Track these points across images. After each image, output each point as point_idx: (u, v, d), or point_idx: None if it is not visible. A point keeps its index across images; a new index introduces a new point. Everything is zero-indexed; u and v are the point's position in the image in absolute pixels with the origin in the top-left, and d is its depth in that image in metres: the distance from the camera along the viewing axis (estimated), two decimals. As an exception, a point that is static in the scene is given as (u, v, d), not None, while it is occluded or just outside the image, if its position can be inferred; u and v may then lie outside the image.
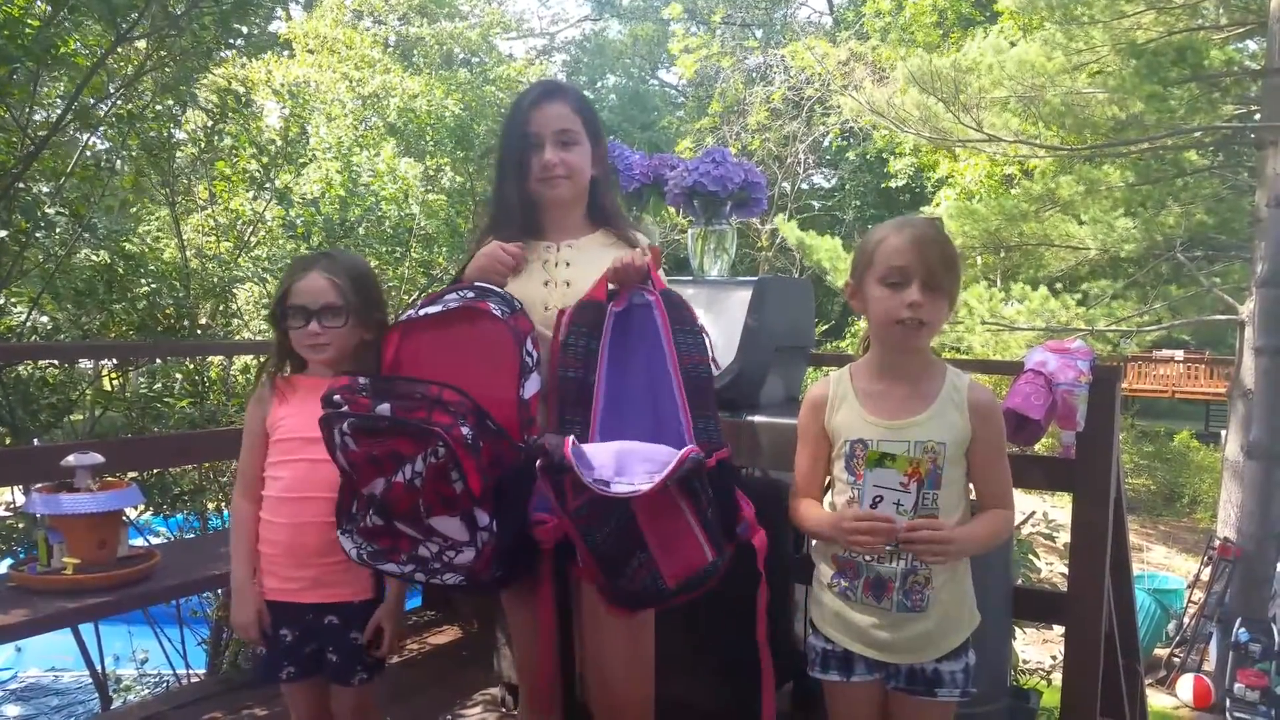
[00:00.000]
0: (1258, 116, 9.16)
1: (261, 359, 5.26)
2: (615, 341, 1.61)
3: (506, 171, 1.77)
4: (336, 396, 1.49)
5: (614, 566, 1.44)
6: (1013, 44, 10.06)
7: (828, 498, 1.65)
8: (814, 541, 1.65)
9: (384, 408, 1.44)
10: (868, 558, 1.52)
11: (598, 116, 1.81)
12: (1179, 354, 17.38)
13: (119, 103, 4.90)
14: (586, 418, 1.55)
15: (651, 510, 1.41)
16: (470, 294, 1.59)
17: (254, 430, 1.79)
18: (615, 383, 1.60)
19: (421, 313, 1.57)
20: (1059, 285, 9.80)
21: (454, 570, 1.48)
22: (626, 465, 1.39)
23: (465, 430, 1.42)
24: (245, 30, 5.28)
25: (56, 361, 4.63)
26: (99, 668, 4.57)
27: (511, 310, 1.58)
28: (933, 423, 1.52)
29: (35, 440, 4.32)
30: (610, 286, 1.64)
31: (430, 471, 1.40)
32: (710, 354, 1.64)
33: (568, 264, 1.76)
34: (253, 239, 5.98)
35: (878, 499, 1.46)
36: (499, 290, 1.61)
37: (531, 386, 1.55)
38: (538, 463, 1.40)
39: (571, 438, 1.40)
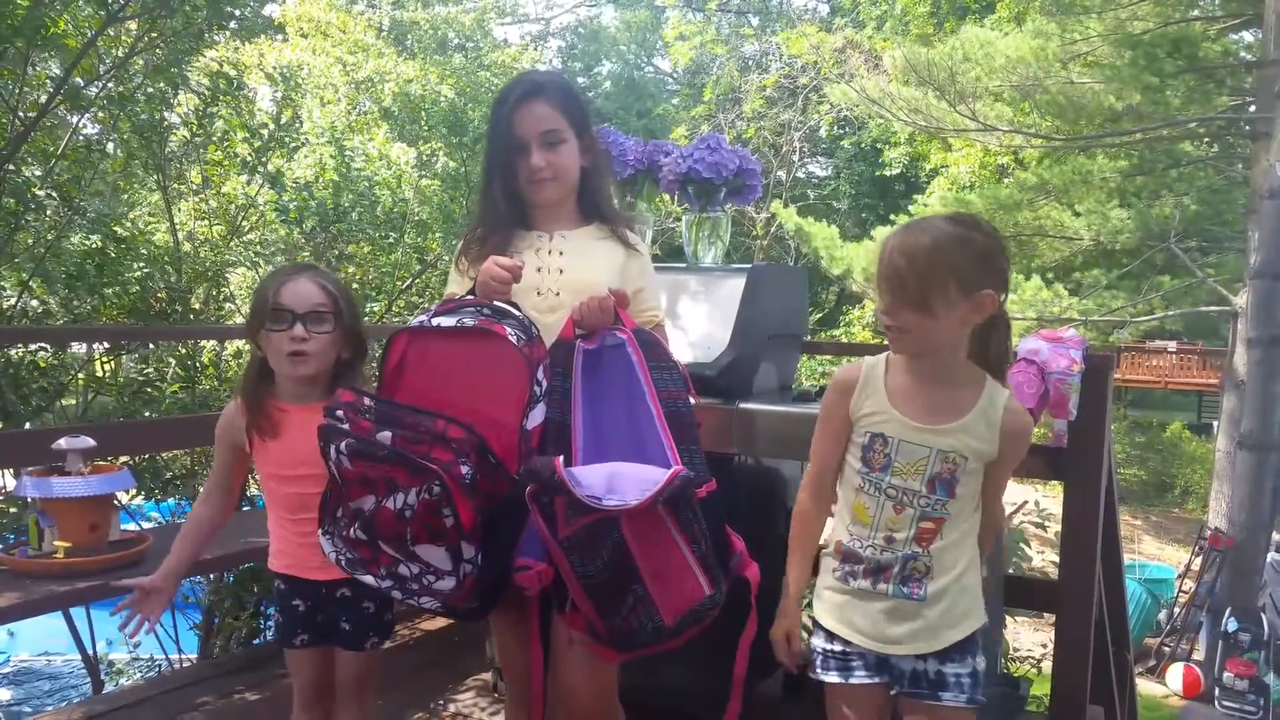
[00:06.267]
0: (1253, 108, 9.18)
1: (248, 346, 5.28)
2: (588, 380, 1.58)
3: (493, 173, 1.74)
4: (339, 412, 1.45)
5: (608, 603, 1.41)
6: (1006, 34, 10.05)
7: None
8: (821, 540, 1.62)
9: (385, 436, 1.41)
10: (869, 550, 1.50)
11: (583, 106, 1.77)
12: (1172, 345, 17.42)
13: (110, 84, 4.86)
14: (568, 455, 1.52)
15: (644, 540, 1.38)
16: (487, 313, 1.54)
17: (222, 451, 1.76)
18: (593, 421, 1.57)
19: (434, 322, 1.52)
20: (1052, 275, 9.82)
21: (431, 595, 1.46)
22: (618, 484, 1.36)
23: (465, 469, 1.39)
24: (237, 13, 5.24)
25: (48, 345, 4.61)
26: (90, 651, 4.57)
27: (528, 338, 1.52)
28: (961, 434, 1.47)
29: (27, 424, 4.30)
30: (577, 331, 1.61)
31: (422, 506, 1.38)
32: (689, 388, 1.62)
33: (561, 252, 1.75)
34: (245, 224, 5.95)
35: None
36: (517, 314, 1.56)
37: (535, 417, 1.51)
38: (528, 490, 1.36)
39: (561, 458, 1.38)
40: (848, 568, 1.53)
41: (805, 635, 1.63)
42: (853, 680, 1.53)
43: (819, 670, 1.56)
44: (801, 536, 1.61)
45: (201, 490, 1.80)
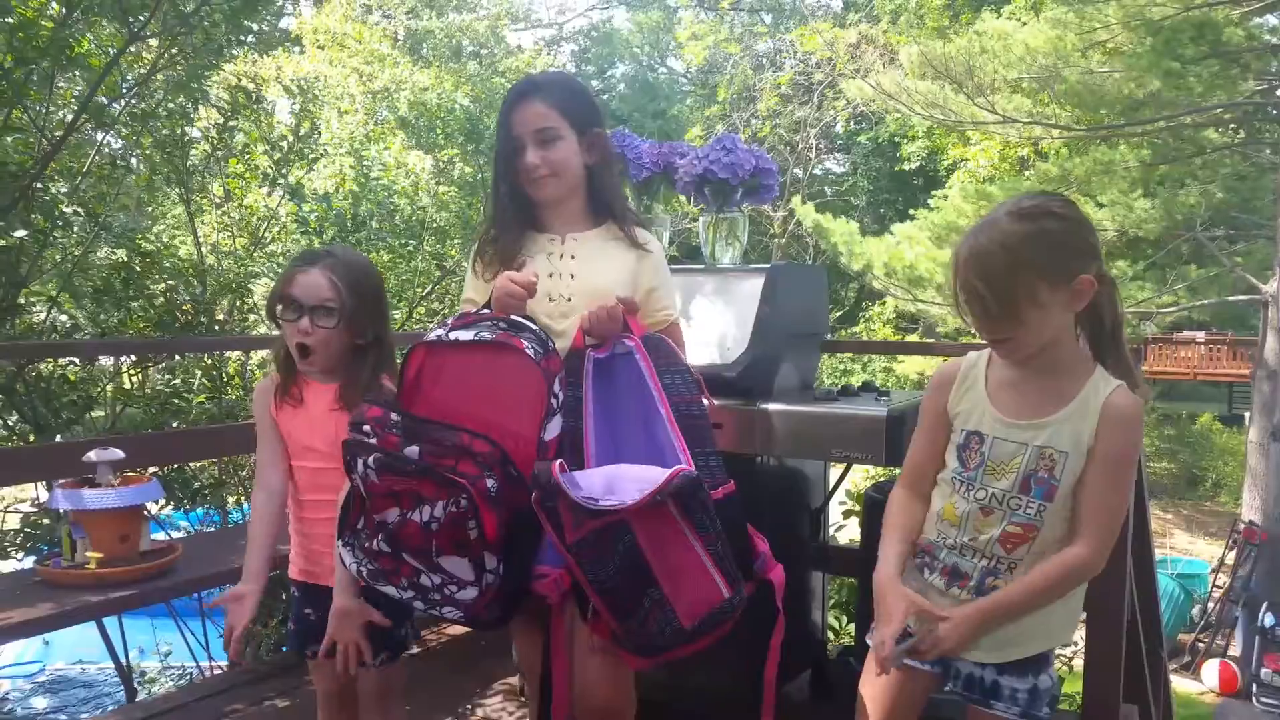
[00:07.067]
0: (1279, 93, 9.03)
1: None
2: (599, 388, 1.59)
3: (500, 175, 1.76)
4: (366, 427, 1.47)
5: (625, 607, 1.42)
6: (1024, 24, 9.96)
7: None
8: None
9: (413, 450, 1.42)
10: (947, 553, 1.46)
11: (583, 104, 1.76)
12: (1200, 335, 17.16)
13: (133, 101, 4.93)
14: (581, 464, 1.52)
15: (658, 543, 1.39)
16: (504, 326, 1.55)
17: (261, 421, 1.79)
18: (606, 429, 1.57)
19: (451, 336, 1.53)
20: (1076, 267, 9.70)
21: (454, 605, 1.47)
22: (617, 486, 1.37)
23: (490, 483, 1.41)
24: (255, 27, 5.30)
25: (77, 359, 4.68)
26: (123, 660, 4.63)
27: (545, 351, 1.54)
28: (1058, 428, 1.37)
29: (57, 437, 4.36)
30: (587, 340, 1.62)
31: (448, 519, 1.40)
32: (702, 390, 1.61)
33: (573, 256, 1.74)
34: (267, 235, 6.01)
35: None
36: (534, 327, 1.57)
37: (553, 429, 1.52)
38: (534, 496, 1.38)
39: (560, 461, 1.40)
40: (925, 559, 1.50)
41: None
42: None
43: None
44: (895, 519, 1.50)
45: (255, 478, 1.80)
